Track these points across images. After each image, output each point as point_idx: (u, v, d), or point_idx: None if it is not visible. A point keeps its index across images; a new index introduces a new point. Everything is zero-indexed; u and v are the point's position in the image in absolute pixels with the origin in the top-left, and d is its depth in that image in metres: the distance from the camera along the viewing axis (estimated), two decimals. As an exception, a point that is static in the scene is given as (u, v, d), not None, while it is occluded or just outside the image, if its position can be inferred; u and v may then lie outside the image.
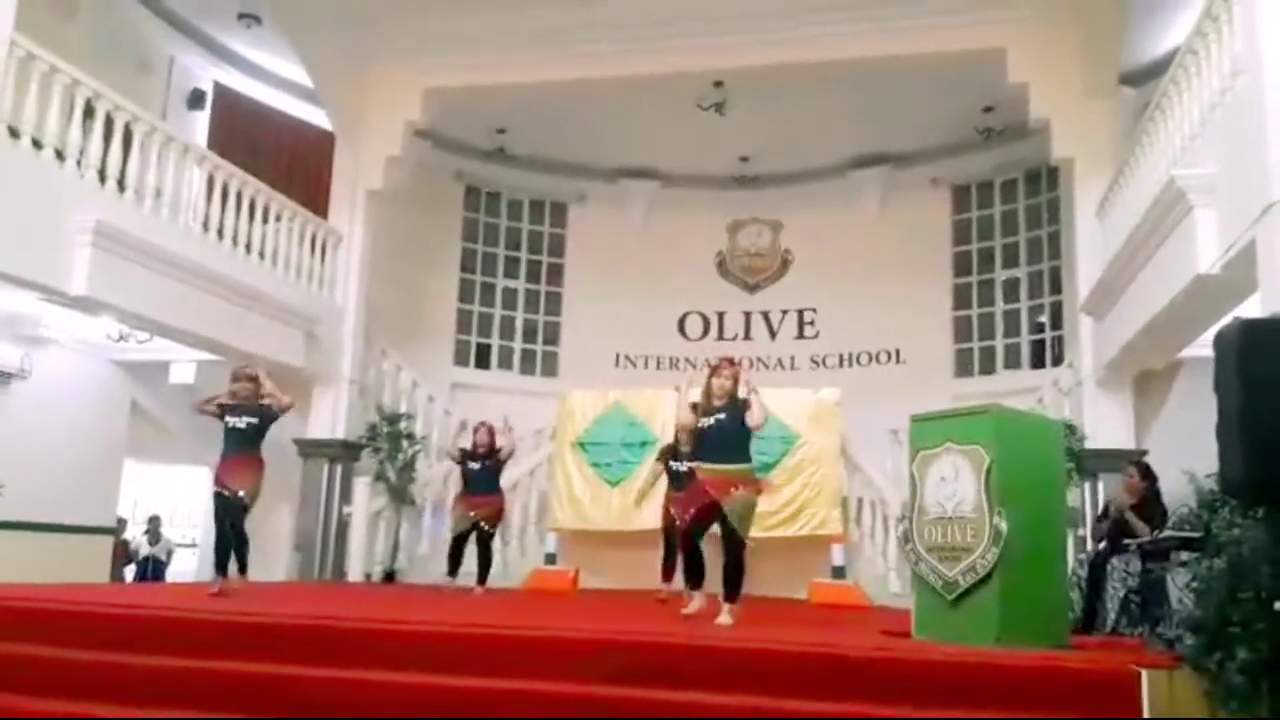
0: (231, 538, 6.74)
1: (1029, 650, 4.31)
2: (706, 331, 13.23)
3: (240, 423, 6.69)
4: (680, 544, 5.92)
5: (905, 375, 11.99)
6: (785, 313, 13.07)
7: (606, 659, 4.15)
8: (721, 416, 5.67)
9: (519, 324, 13.24)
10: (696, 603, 5.86)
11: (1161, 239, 6.45)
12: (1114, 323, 8.15)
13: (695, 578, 5.89)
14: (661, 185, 13.19)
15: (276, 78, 11.48)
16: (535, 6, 9.74)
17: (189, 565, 13.22)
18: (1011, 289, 12.02)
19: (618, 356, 12.97)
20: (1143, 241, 6.84)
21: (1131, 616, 5.87)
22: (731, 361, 5.86)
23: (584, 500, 10.10)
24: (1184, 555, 5.33)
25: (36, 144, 6.90)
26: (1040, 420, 6.24)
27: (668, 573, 7.93)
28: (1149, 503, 6.76)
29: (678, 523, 6.01)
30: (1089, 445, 8.65)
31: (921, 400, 10.10)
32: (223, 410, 6.75)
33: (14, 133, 6.73)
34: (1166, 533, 5.77)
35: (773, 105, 11.02)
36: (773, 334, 13.07)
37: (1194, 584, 4.19)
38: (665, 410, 9.93)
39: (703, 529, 5.76)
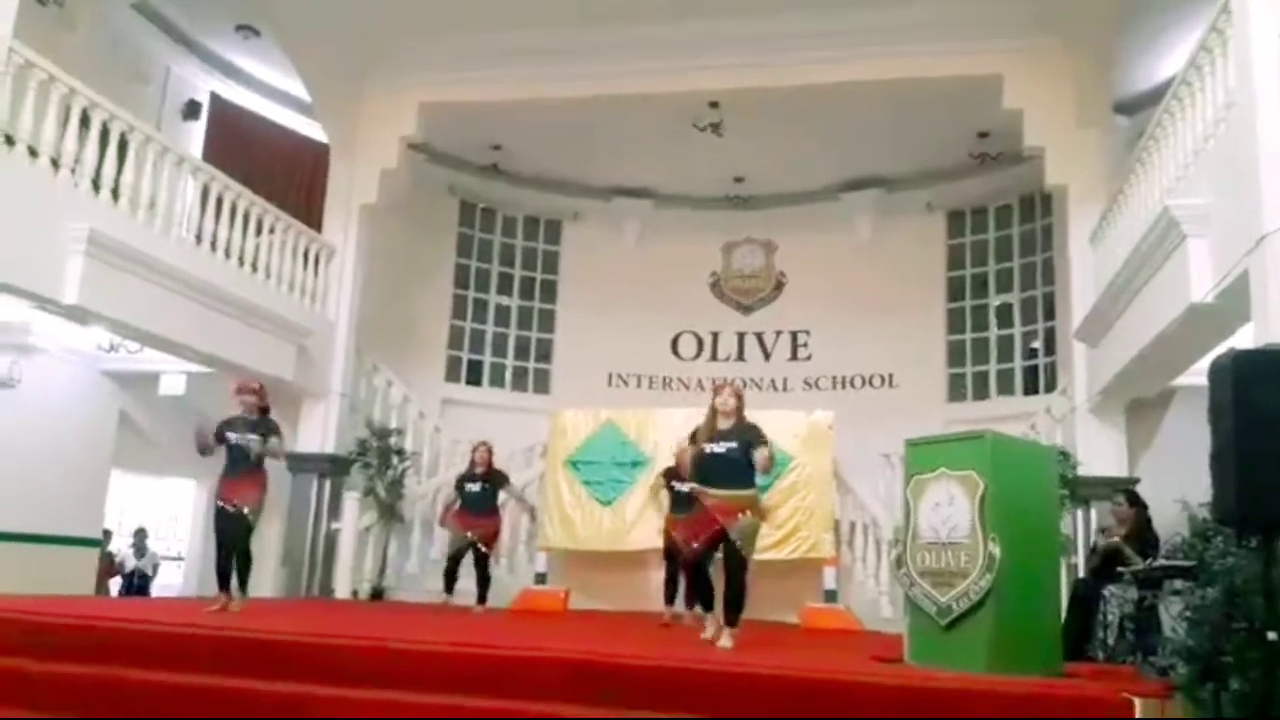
0: (233, 553, 6.66)
1: (1022, 677, 4.28)
2: (700, 352, 13.22)
3: (241, 439, 6.66)
4: (685, 572, 5.88)
5: (898, 399, 11.99)
6: (779, 334, 13.08)
7: (597, 681, 4.12)
8: (733, 445, 5.64)
9: (511, 341, 13.21)
10: (712, 625, 5.78)
11: (1155, 268, 6.48)
12: (1107, 350, 8.16)
13: (707, 602, 5.85)
14: (655, 205, 13.22)
15: (273, 90, 11.51)
16: (532, 25, 9.76)
17: (174, 579, 13.10)
18: (1005, 314, 12.05)
19: (610, 375, 12.94)
20: (1136, 270, 6.87)
21: (1125, 644, 5.86)
22: (730, 383, 5.90)
23: (575, 520, 10.05)
24: (1177, 584, 5.32)
25: (32, 152, 6.86)
26: (1035, 447, 6.25)
27: (671, 595, 7.85)
28: (1140, 531, 6.77)
29: (682, 550, 5.95)
30: (1082, 472, 8.65)
31: (914, 424, 10.05)
32: (222, 431, 6.72)
33: (9, 140, 6.69)
34: (1160, 562, 5.77)
35: (768, 126, 11.06)
36: (766, 355, 13.07)
37: (1187, 613, 4.18)
38: (657, 430, 9.93)
39: (710, 557, 5.72)
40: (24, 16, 6.71)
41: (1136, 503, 7.13)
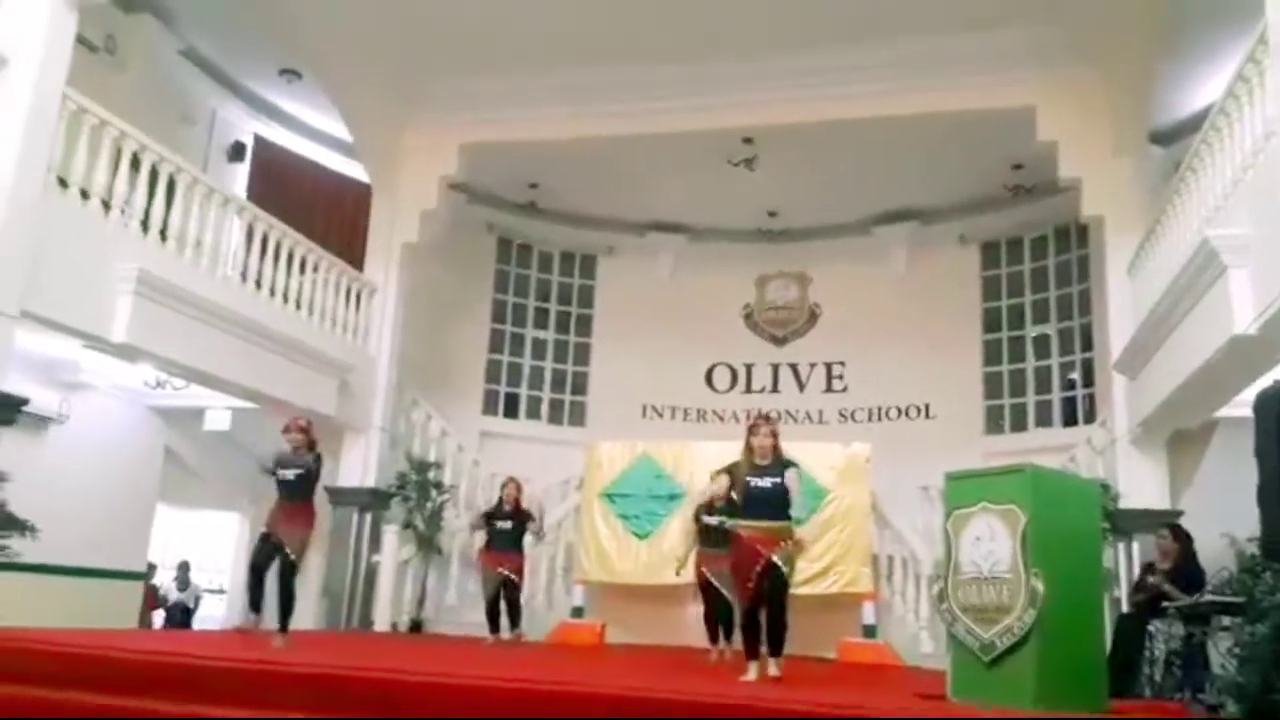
0: (263, 578, 6.75)
1: (1068, 714, 4.24)
2: (734, 383, 13.24)
3: (289, 474, 6.78)
4: (743, 621, 5.80)
5: (936, 431, 11.92)
6: (813, 366, 13.07)
7: (635, 716, 4.12)
8: (777, 479, 5.65)
9: (548, 374, 13.31)
10: (754, 670, 5.68)
11: (1195, 299, 6.44)
12: (1148, 382, 8.10)
13: (757, 648, 5.74)
14: (689, 239, 13.31)
15: (315, 131, 11.76)
16: (569, 65, 9.94)
17: (217, 611, 13.24)
18: (1042, 346, 11.97)
19: (645, 407, 12.99)
20: (1176, 301, 6.83)
21: (1173, 680, 5.77)
22: (767, 418, 5.87)
23: (611, 553, 10.05)
24: (1225, 620, 5.25)
25: (84, 194, 7.06)
26: (1076, 480, 6.20)
27: (714, 633, 7.78)
28: (1184, 565, 6.69)
29: (742, 599, 5.80)
30: (1123, 505, 8.55)
31: (952, 456, 10.04)
32: (274, 467, 6.85)
33: (63, 183, 6.89)
34: (1207, 597, 5.69)
35: (801, 160, 11.14)
36: (801, 387, 13.05)
37: (1237, 650, 4.12)
38: (693, 462, 9.92)
39: (761, 600, 5.66)
40: (76, 62, 6.92)
41: (1180, 536, 7.05)
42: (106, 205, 7.27)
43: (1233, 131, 6.21)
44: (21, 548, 7.07)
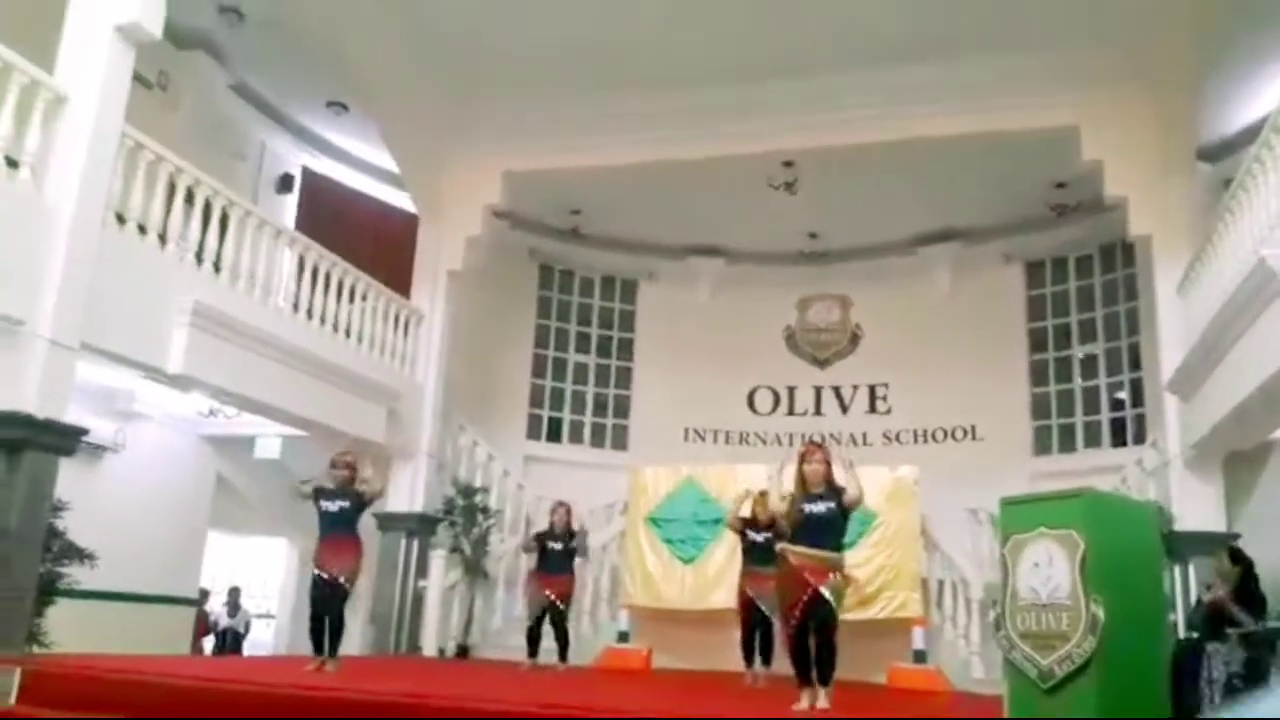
0: (325, 620, 6.80)
1: (1131, 743, 4.17)
2: (776, 406, 13.21)
3: (333, 506, 6.81)
4: (789, 647, 5.73)
5: (983, 452, 11.81)
6: (856, 388, 13.01)
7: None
8: (831, 505, 5.63)
9: (590, 398, 13.38)
10: (808, 696, 5.62)
11: (1252, 319, 6.35)
12: (1202, 403, 7.97)
13: (807, 674, 5.65)
14: (729, 262, 13.35)
15: (362, 162, 11.97)
16: (611, 93, 10.04)
17: (265, 636, 13.38)
18: (1089, 366, 11.84)
19: (687, 430, 13.00)
20: (1230, 321, 6.74)
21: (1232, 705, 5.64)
22: (818, 445, 5.86)
23: (657, 577, 10.02)
24: (1291, 646, 5.14)
25: (141, 229, 7.22)
26: (1134, 503, 6.12)
27: (750, 655, 7.76)
28: (1243, 589, 6.55)
29: (786, 625, 5.73)
30: (1178, 528, 8.41)
31: (1001, 478, 10.01)
32: (317, 494, 6.90)
33: (120, 219, 7.06)
34: (1274, 624, 5.57)
35: (842, 182, 11.14)
36: (844, 409, 13.00)
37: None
38: (737, 485, 9.80)
39: (808, 625, 5.62)
40: (131, 99, 7.08)
41: (1239, 560, 6.91)
42: (163, 239, 7.43)
43: (1287, 150, 6.14)
44: (79, 575, 7.23)
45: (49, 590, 6.78)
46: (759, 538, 7.51)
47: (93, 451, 8.88)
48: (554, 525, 8.72)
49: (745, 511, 7.85)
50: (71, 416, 6.37)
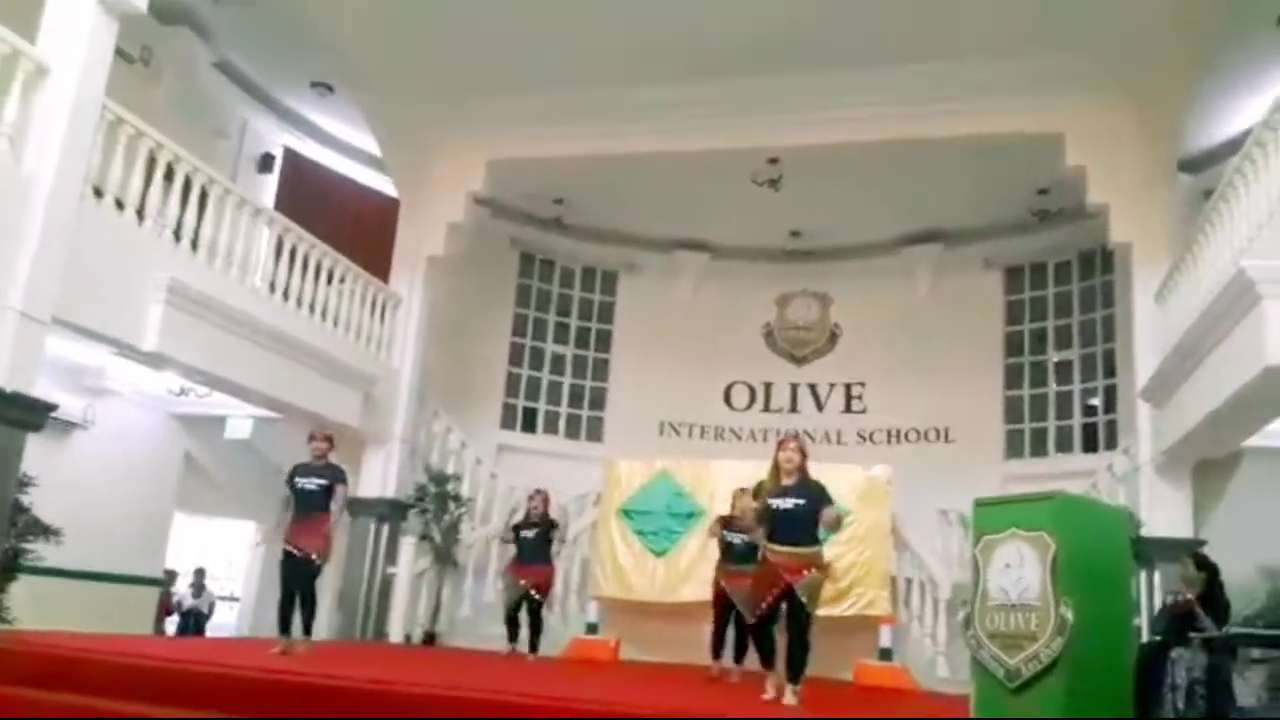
0: (296, 598, 6.75)
1: (1095, 744, 4.20)
2: (753, 402, 13.23)
3: (310, 484, 6.80)
4: (752, 632, 5.79)
5: (955, 454, 11.88)
6: (833, 386, 13.05)
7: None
8: (800, 501, 5.64)
9: (566, 389, 13.33)
10: (773, 685, 5.70)
11: (1228, 328, 6.41)
12: (1175, 410, 8.05)
13: (770, 660, 5.78)
14: (712, 257, 13.34)
15: (345, 145, 11.87)
16: (598, 83, 9.99)
17: (229, 619, 13.27)
18: (1064, 371, 11.93)
19: (663, 424, 13.00)
20: (1207, 330, 6.80)
21: (1196, 710, 5.70)
22: (795, 436, 5.89)
23: (628, 569, 10.02)
24: (1255, 653, 5.19)
25: (119, 203, 7.12)
26: (1105, 508, 6.17)
27: (718, 649, 7.80)
28: (1209, 594, 6.61)
29: (736, 603, 5.84)
30: (1145, 533, 8.48)
31: (972, 480, 10.08)
32: (292, 476, 6.86)
33: (98, 192, 6.95)
34: (1239, 629, 5.63)
35: (825, 180, 11.15)
36: (820, 407, 13.03)
37: (1275, 684, 4.08)
38: (713, 481, 9.89)
39: (776, 618, 5.68)
40: (113, 73, 6.97)
41: (1205, 566, 6.97)
42: (140, 214, 7.33)
43: (1268, 163, 6.20)
44: (44, 551, 7.12)
45: (12, 566, 6.69)
46: (736, 539, 7.49)
47: (61, 427, 8.76)
48: (530, 513, 8.71)
49: (728, 510, 7.86)
50: (40, 391, 6.27)
